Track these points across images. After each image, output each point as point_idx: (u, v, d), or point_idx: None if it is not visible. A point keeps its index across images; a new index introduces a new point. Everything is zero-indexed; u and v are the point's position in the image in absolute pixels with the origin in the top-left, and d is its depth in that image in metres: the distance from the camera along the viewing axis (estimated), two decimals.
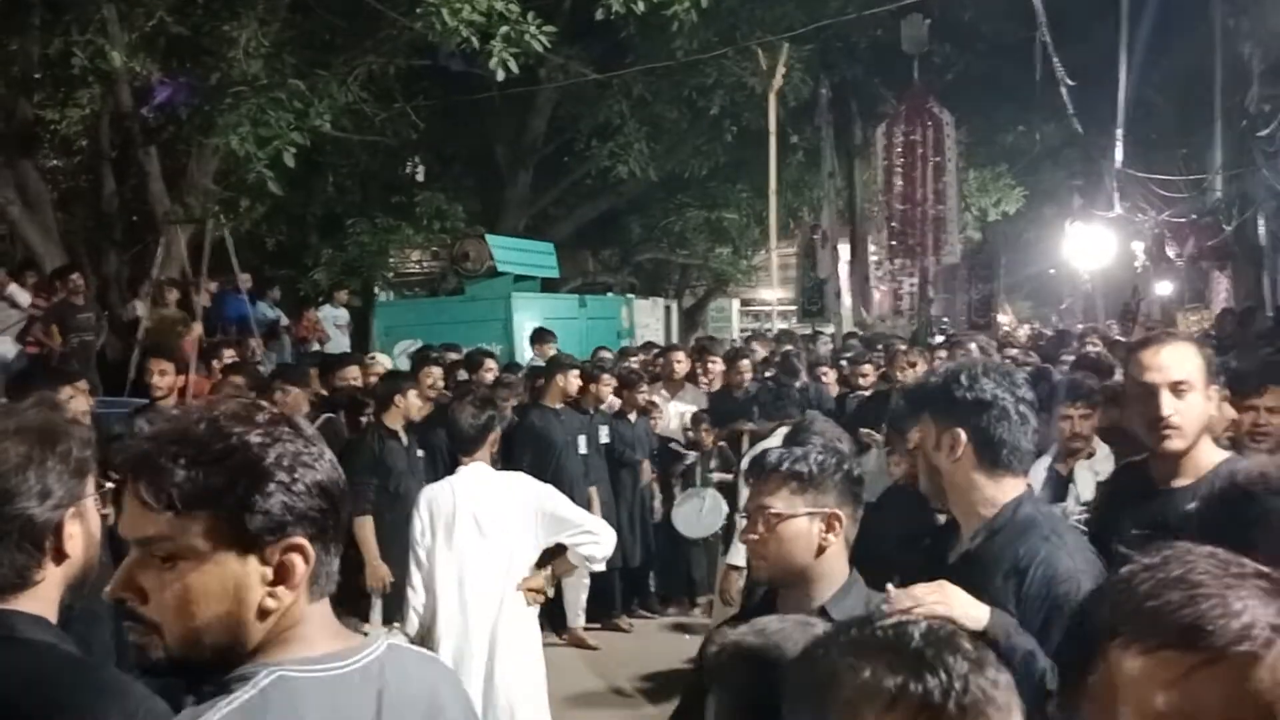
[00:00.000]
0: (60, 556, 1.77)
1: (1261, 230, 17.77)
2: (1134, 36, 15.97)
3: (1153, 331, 3.27)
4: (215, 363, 8.12)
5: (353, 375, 7.60)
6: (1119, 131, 13.27)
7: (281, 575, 1.45)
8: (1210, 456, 2.91)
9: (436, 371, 7.71)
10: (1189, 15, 17.87)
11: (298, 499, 1.45)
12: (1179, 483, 2.89)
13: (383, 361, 8.73)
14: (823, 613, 2.34)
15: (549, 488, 5.11)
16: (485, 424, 4.94)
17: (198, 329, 9.76)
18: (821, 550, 2.44)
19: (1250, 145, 15.07)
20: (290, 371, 6.94)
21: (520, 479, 5.12)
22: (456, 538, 4.83)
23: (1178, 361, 2.88)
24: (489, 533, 4.85)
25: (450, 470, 5.25)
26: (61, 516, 1.77)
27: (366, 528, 6.28)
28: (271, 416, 1.50)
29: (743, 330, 25.25)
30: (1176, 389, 2.85)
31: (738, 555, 5.13)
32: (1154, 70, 18.56)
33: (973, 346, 11.13)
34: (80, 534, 1.80)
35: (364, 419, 6.83)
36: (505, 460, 7.49)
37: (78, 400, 5.90)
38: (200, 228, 11.17)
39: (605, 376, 8.97)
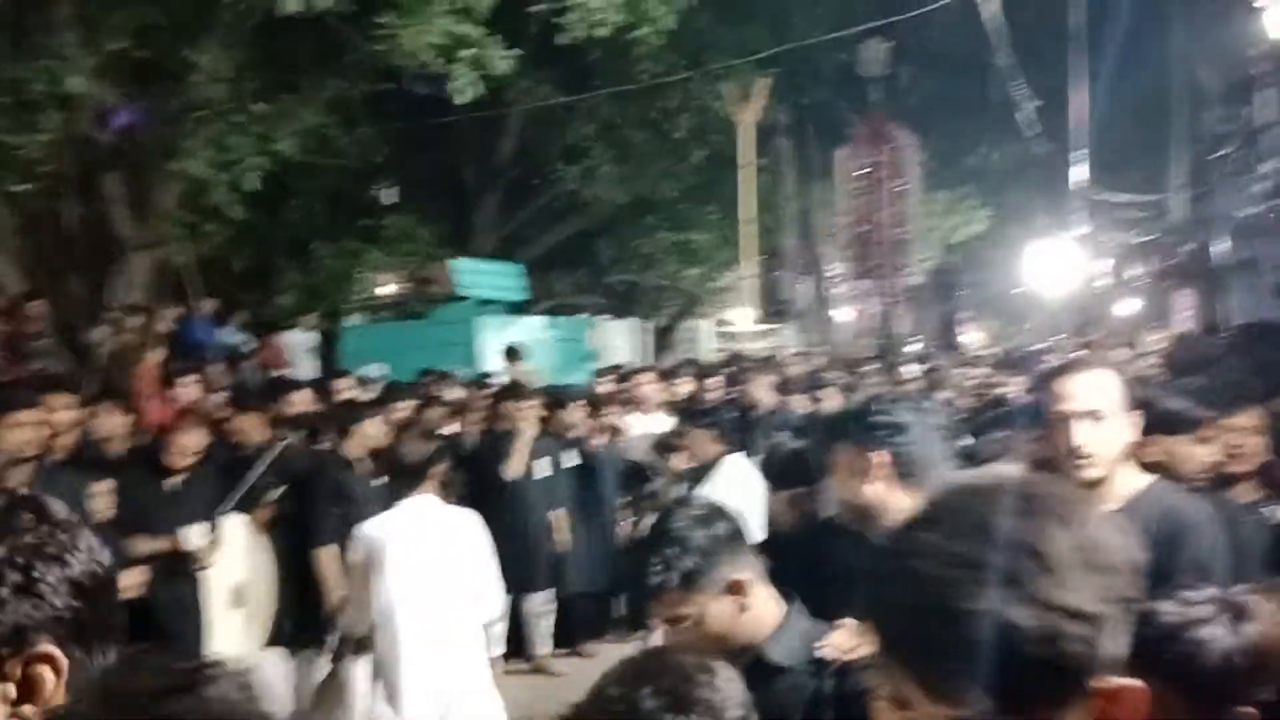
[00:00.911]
0: None
1: (1219, 250, 17.98)
2: (1095, 58, 16.19)
3: (1070, 359, 3.19)
4: (174, 389, 8.04)
5: (303, 401, 7.51)
6: (1071, 154, 13.44)
7: (26, 692, 1.22)
8: (1132, 482, 2.89)
9: (405, 404, 7.64)
10: (1149, 38, 18.15)
11: (38, 601, 1.23)
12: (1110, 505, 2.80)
13: (343, 387, 8.63)
14: (758, 658, 2.32)
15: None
16: (432, 455, 4.83)
17: (157, 356, 9.66)
18: (744, 610, 2.36)
19: (1208, 166, 15.28)
20: (245, 396, 6.86)
21: (469, 516, 5.02)
22: (389, 574, 4.69)
23: (1091, 390, 2.85)
24: (433, 569, 4.74)
25: None
26: None
27: (327, 558, 6.19)
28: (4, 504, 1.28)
29: (718, 350, 25.29)
30: (1090, 418, 2.82)
31: None
32: (1116, 91, 18.81)
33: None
34: None
35: (320, 445, 6.77)
36: (469, 483, 7.47)
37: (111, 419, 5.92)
38: (161, 252, 11.09)
39: (571, 402, 8.97)
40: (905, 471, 2.67)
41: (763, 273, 20.38)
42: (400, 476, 4.91)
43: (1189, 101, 17.66)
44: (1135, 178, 21.16)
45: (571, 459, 8.58)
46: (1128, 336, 24.06)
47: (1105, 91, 17.52)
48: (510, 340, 12.12)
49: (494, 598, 5.05)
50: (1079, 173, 17.13)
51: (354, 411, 6.82)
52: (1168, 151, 18.98)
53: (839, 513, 2.80)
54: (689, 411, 8.96)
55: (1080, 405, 2.83)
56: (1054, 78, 16.38)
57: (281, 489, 6.14)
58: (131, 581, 4.92)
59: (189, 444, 5.62)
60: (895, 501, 2.65)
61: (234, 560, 5.86)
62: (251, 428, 6.47)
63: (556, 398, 9.04)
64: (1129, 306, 27.01)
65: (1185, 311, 22.38)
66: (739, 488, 5.55)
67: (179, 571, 5.56)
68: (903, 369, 10.28)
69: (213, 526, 5.68)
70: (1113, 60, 17.07)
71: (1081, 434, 2.80)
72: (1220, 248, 17.82)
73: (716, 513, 2.41)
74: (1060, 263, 22.49)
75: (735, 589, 2.34)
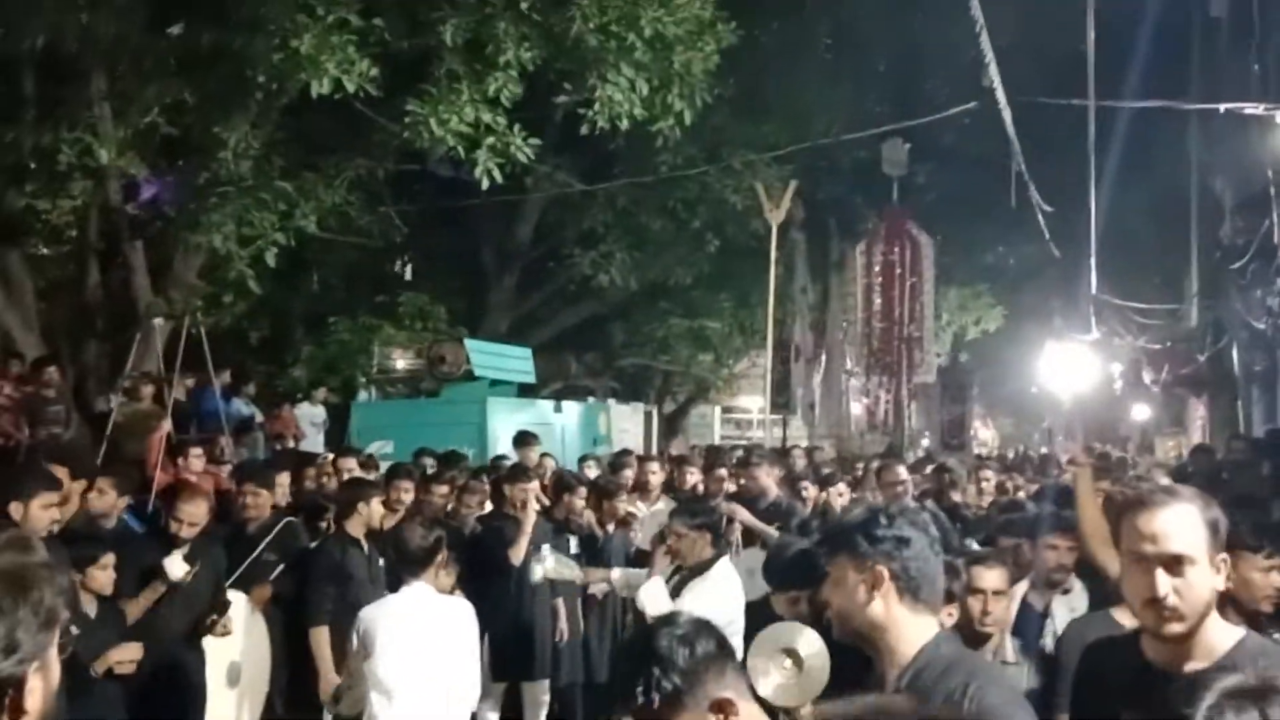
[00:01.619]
0: (17, 712, 1.64)
1: (1235, 359, 17.97)
2: (1112, 165, 16.36)
3: (1146, 485, 2.74)
4: (181, 460, 8.06)
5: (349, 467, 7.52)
6: (1092, 260, 13.55)
7: None
8: (1221, 637, 2.50)
9: (406, 484, 7.62)
10: (1166, 147, 18.37)
11: None
12: (1190, 666, 2.45)
13: (347, 464, 8.61)
14: None
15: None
16: (434, 545, 4.89)
17: (166, 425, 9.70)
18: None
19: (1224, 277, 15.34)
20: (255, 472, 6.85)
21: (463, 606, 5.06)
22: (390, 661, 4.73)
23: (1177, 530, 2.46)
24: (424, 658, 4.77)
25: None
26: (25, 671, 1.60)
27: (321, 638, 6.13)
28: None
29: (724, 438, 25.27)
30: (1175, 564, 2.44)
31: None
32: (1132, 198, 18.99)
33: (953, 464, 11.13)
34: (40, 688, 1.66)
35: (324, 524, 6.74)
36: (466, 570, 7.41)
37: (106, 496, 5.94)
38: (179, 322, 11.20)
39: (580, 488, 8.91)
40: (908, 588, 2.62)
41: (775, 363, 20.45)
42: (401, 563, 4.98)
43: (1206, 211, 17.80)
44: (1151, 284, 21.27)
45: (578, 546, 8.50)
46: (1146, 440, 24.04)
47: (1122, 198, 17.68)
48: (521, 423, 12.12)
49: (474, 690, 5.08)
50: (1091, 278, 17.22)
51: (357, 490, 6.80)
52: (1184, 260, 19.09)
53: (837, 629, 2.72)
54: (687, 509, 8.89)
55: (1165, 548, 2.45)
56: (1072, 180, 16.53)
57: (280, 567, 6.11)
58: (124, 656, 4.86)
59: (192, 515, 5.60)
60: (900, 621, 2.61)
61: (231, 638, 5.81)
62: (256, 503, 6.45)
63: (566, 483, 9.00)
64: (1143, 412, 26.98)
65: (1200, 419, 22.33)
66: (728, 594, 5.47)
67: (186, 642, 5.50)
68: (911, 469, 10.18)
69: (221, 597, 5.65)
70: (1130, 168, 17.24)
71: (1165, 583, 2.42)
72: (1237, 357, 17.83)
73: (702, 629, 2.36)
74: (1074, 365, 22.51)
75: (720, 708, 2.28)
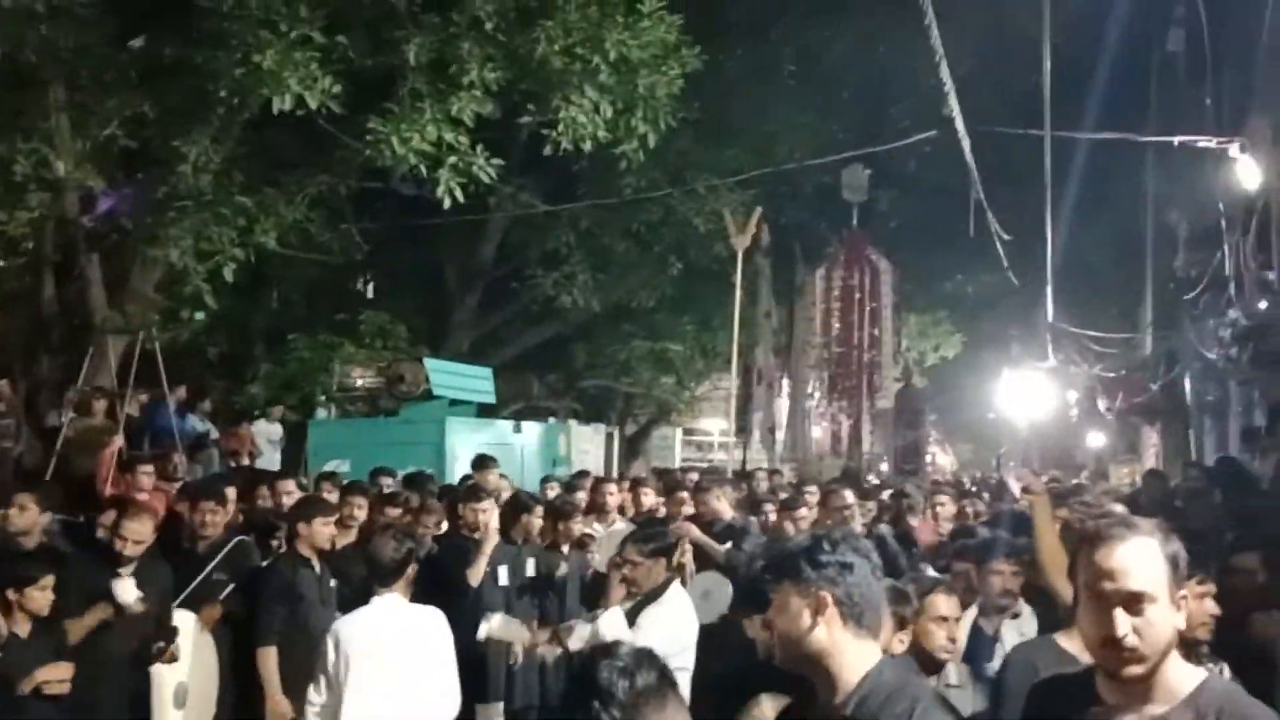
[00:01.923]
0: None
1: (1188, 389, 18.24)
2: (1070, 196, 16.59)
3: (1104, 519, 2.54)
4: (131, 476, 7.95)
5: (287, 490, 7.43)
6: (1049, 289, 13.76)
7: None
8: (1183, 678, 2.36)
9: (359, 500, 7.56)
10: (1123, 180, 18.67)
11: None
12: (1150, 709, 2.20)
13: (285, 486, 8.47)
14: None
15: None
16: (405, 556, 5.02)
17: (118, 441, 9.58)
18: None
19: (1177, 307, 15.58)
20: (211, 489, 6.75)
21: (436, 615, 5.14)
22: (363, 671, 4.80)
23: (1137, 566, 2.34)
24: (402, 667, 4.86)
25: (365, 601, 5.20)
26: None
27: (269, 659, 6.04)
28: None
29: (685, 460, 25.28)
30: (1135, 602, 2.32)
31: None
32: (1089, 229, 19.27)
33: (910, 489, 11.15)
34: None
35: (275, 543, 6.67)
36: (423, 590, 7.35)
37: (27, 513, 5.78)
38: (135, 337, 11.08)
39: (537, 508, 8.88)
40: (851, 614, 2.64)
41: (738, 385, 20.50)
42: (373, 575, 5.06)
43: (1161, 243, 18.09)
44: (1108, 314, 21.57)
45: (534, 568, 8.46)
46: (1100, 467, 24.28)
47: (1080, 229, 17.94)
48: (480, 443, 12.06)
49: (454, 697, 5.13)
50: (1048, 307, 17.44)
51: (309, 509, 6.72)
52: (1139, 290, 19.38)
53: (780, 655, 2.70)
54: (641, 535, 8.87)
55: (1124, 585, 2.33)
56: (1031, 211, 16.75)
57: (231, 586, 6.03)
58: (52, 676, 4.72)
59: (137, 533, 5.51)
60: (844, 647, 2.62)
61: (179, 658, 5.72)
62: (212, 520, 6.37)
63: (522, 504, 8.96)
64: (1098, 439, 27.28)
65: (1153, 447, 22.62)
66: (682, 619, 5.45)
67: (131, 662, 5.41)
68: (865, 495, 10.22)
69: (167, 618, 5.56)
70: (1087, 199, 17.50)
71: (1125, 622, 2.30)
72: (1189, 387, 18.10)
73: (643, 659, 2.35)
74: (1031, 392, 22.75)
75: None
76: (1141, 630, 2.29)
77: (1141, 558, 2.34)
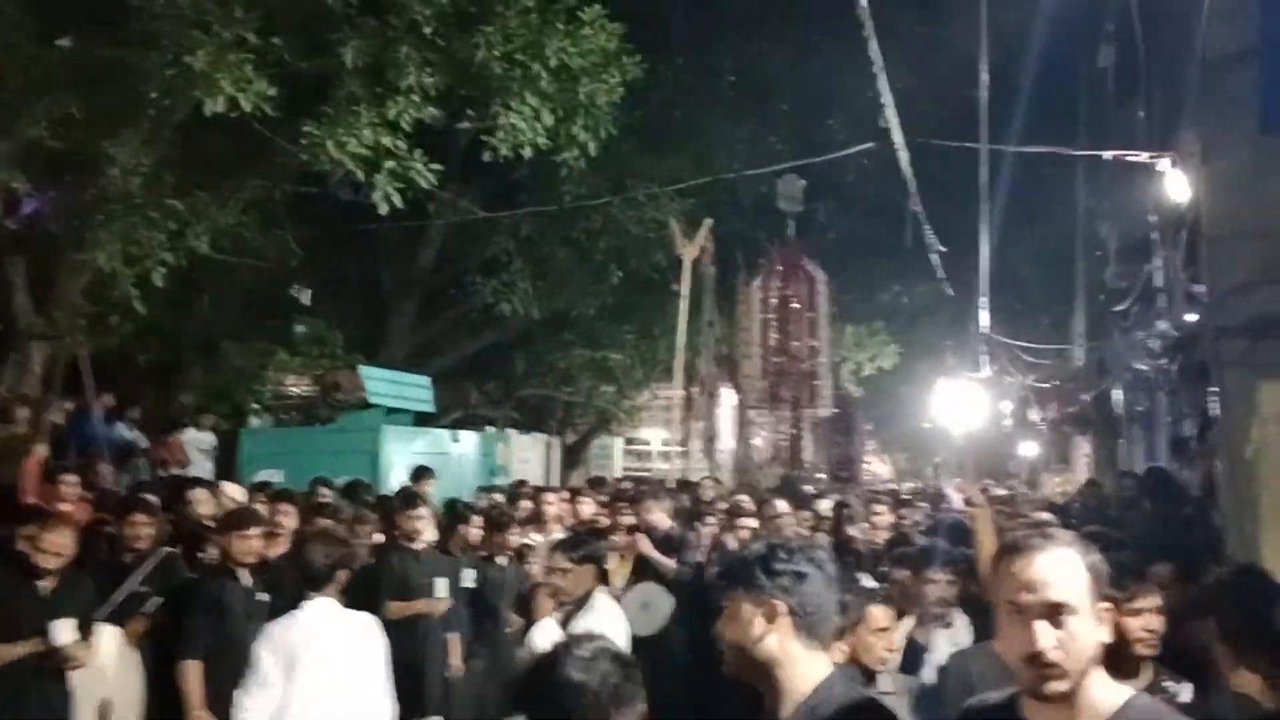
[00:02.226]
0: None
1: (1118, 400, 18.58)
2: (1004, 209, 16.83)
3: (1023, 531, 2.42)
4: (54, 487, 7.72)
5: (201, 499, 7.25)
6: (983, 300, 13.95)
7: None
8: (1107, 696, 2.26)
9: (286, 508, 7.41)
10: (1056, 193, 19.01)
11: None
12: None
13: (231, 492, 8.35)
14: None
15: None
16: (336, 562, 5.06)
17: (42, 450, 9.31)
18: None
19: (1108, 319, 15.87)
20: (130, 498, 6.57)
21: (370, 621, 5.14)
22: (300, 675, 4.78)
23: (1057, 577, 2.25)
24: (335, 671, 4.85)
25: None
26: None
27: (192, 673, 5.85)
28: None
29: (626, 469, 25.25)
30: (1055, 614, 2.23)
31: None
32: (1023, 241, 19.59)
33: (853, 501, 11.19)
34: None
35: (202, 554, 6.52)
36: (359, 602, 7.22)
37: None
38: (61, 344, 10.79)
39: (474, 518, 8.79)
40: (804, 624, 2.62)
41: (680, 395, 20.50)
42: (304, 580, 5.07)
43: (1092, 256, 18.43)
44: (1040, 325, 21.95)
45: (471, 579, 8.36)
46: (1033, 477, 24.64)
47: (1013, 241, 18.21)
48: (416, 452, 11.93)
49: (388, 704, 5.13)
50: (984, 317, 17.67)
51: (238, 520, 6.57)
52: (1071, 302, 19.73)
53: (729, 664, 2.66)
54: (569, 541, 8.81)
55: (1044, 596, 2.24)
56: (965, 223, 16.98)
57: (157, 600, 5.87)
58: None
59: (57, 545, 5.34)
60: (795, 658, 2.59)
61: (102, 673, 5.55)
62: (133, 533, 6.20)
63: (459, 514, 8.86)
64: (1031, 449, 27.72)
65: (1085, 457, 23.03)
66: (612, 626, 5.41)
67: (48, 677, 5.23)
68: (801, 505, 10.25)
69: (86, 631, 5.38)
70: (1021, 212, 17.78)
71: (1046, 635, 2.21)
72: (1120, 397, 18.44)
73: (609, 655, 2.34)
74: (965, 401, 23.04)
75: None
76: (1063, 644, 2.21)
77: (1061, 569, 2.26)
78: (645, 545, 8.38)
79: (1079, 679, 2.23)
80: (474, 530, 8.65)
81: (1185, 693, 3.67)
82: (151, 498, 6.98)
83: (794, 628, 2.58)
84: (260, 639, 4.85)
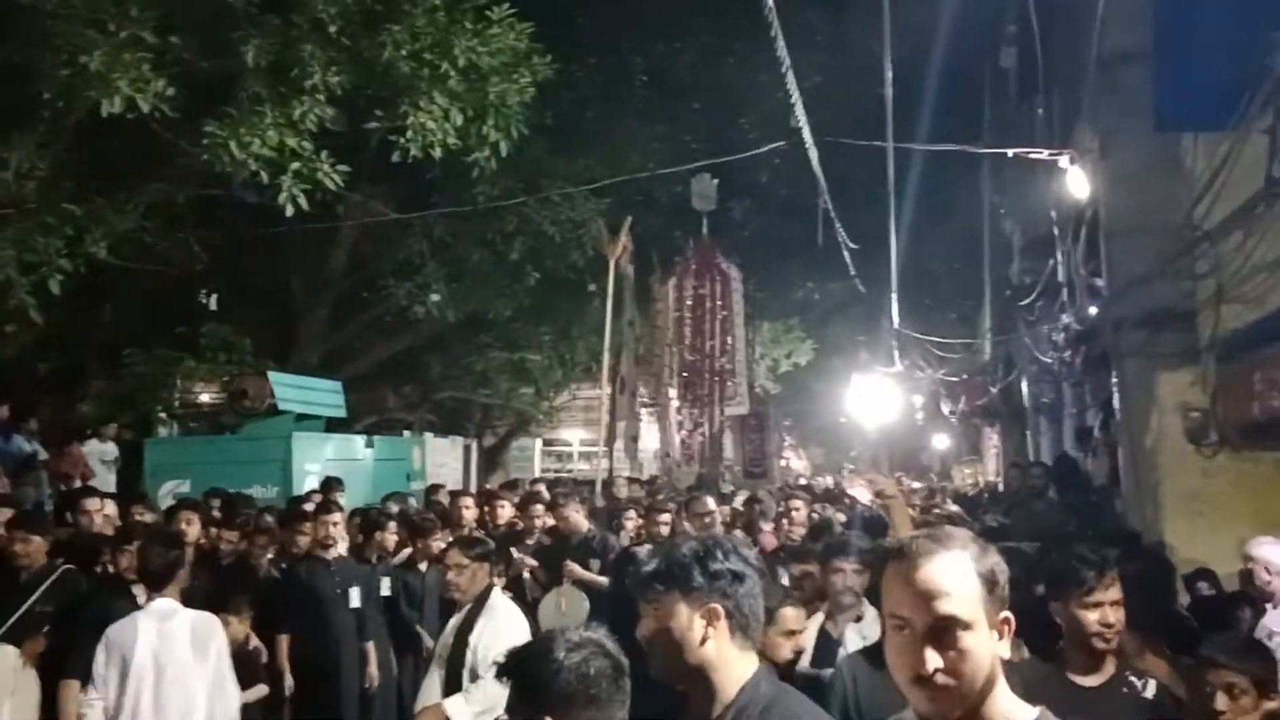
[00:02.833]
0: None
1: (1025, 391, 19.01)
2: (913, 207, 17.11)
3: (911, 537, 2.08)
4: None
5: (94, 508, 7.03)
6: (893, 295, 14.17)
7: None
8: (1011, 715, 1.99)
9: (189, 515, 7.24)
10: (962, 191, 19.39)
11: None
12: None
13: (107, 509, 8.03)
14: None
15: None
16: (174, 560, 5.33)
17: None
18: None
19: (1013, 313, 16.22)
20: (25, 515, 6.34)
21: (210, 619, 5.39)
22: (133, 674, 5.01)
23: (947, 587, 1.95)
24: (167, 670, 5.08)
25: None
26: None
27: (70, 692, 5.53)
28: None
29: (545, 470, 25.16)
30: (945, 631, 1.93)
31: (459, 708, 5.06)
32: (931, 238, 19.93)
33: (763, 495, 11.28)
34: None
35: (99, 568, 6.34)
36: (267, 613, 7.08)
37: None
38: None
39: (390, 525, 8.69)
40: (739, 626, 2.59)
41: (607, 395, 20.47)
42: (144, 578, 5.40)
43: (997, 252, 18.82)
44: (949, 320, 22.35)
45: (386, 588, 8.25)
46: (945, 468, 25.08)
47: (922, 238, 18.52)
48: (329, 458, 11.73)
49: (232, 697, 5.33)
50: (893, 312, 17.96)
51: (127, 535, 6.41)
52: (978, 297, 20.12)
53: (657, 667, 2.60)
54: (464, 540, 8.73)
55: (932, 611, 1.93)
56: (876, 221, 17.22)
57: (51, 618, 5.68)
58: None
59: None
60: (729, 660, 2.58)
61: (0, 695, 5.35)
62: (26, 550, 5.99)
63: (374, 522, 8.75)
64: (943, 441, 28.27)
65: (994, 448, 23.53)
66: (515, 625, 5.40)
67: None
68: (720, 500, 10.32)
69: None
70: (929, 210, 18.10)
71: (934, 658, 1.92)
72: (1026, 389, 18.88)
73: (598, 647, 2.37)
74: (879, 396, 23.39)
75: None
76: (954, 665, 1.92)
77: (953, 577, 1.96)
78: (578, 571, 8.39)
79: (977, 700, 1.95)
80: (390, 537, 8.56)
81: (1150, 688, 3.60)
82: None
83: (730, 630, 2.55)
84: (100, 642, 5.09)
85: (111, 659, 5.02)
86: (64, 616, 5.80)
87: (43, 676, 5.69)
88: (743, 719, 2.50)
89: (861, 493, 7.03)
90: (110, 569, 6.23)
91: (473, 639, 5.26)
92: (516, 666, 2.37)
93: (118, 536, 6.41)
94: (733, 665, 2.55)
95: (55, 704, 5.59)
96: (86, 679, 5.42)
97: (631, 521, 9.82)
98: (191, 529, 7.18)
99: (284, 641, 7.28)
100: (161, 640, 5.07)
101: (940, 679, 1.92)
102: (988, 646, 1.96)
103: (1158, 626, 4.39)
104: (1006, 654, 2.00)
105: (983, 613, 1.96)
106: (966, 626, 1.94)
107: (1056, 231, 11.08)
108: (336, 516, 7.90)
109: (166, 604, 5.18)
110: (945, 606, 1.93)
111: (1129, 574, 3.83)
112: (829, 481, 22.89)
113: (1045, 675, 3.56)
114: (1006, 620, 2.00)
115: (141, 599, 5.90)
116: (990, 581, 1.98)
